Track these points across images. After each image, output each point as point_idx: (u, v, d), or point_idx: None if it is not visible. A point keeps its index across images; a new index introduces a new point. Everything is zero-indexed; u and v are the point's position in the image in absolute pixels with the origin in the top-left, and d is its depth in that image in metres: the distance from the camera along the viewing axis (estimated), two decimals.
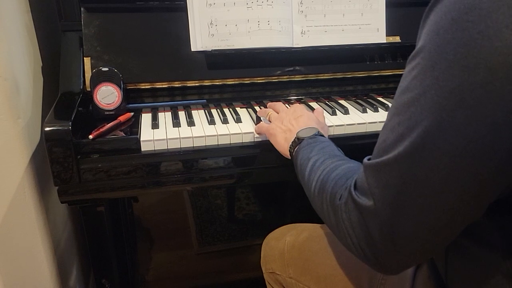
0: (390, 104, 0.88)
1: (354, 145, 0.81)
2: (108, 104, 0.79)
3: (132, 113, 0.82)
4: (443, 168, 0.37)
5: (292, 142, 0.65)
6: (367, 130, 0.81)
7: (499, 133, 0.34)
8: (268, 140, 0.77)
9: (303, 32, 0.89)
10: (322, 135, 0.64)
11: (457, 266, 0.48)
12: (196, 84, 0.88)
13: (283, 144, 0.68)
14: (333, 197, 0.49)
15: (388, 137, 0.41)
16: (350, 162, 0.54)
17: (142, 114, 0.84)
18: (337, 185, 0.49)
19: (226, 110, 0.86)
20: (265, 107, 0.88)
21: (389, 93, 0.97)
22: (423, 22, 0.40)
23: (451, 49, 0.35)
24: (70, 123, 0.68)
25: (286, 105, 0.89)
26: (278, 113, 0.74)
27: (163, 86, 0.86)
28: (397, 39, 0.95)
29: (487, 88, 0.33)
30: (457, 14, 0.35)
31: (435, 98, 0.36)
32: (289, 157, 0.66)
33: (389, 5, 0.92)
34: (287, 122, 0.70)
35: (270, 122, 0.74)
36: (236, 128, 0.78)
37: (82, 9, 0.83)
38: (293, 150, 0.64)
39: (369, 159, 0.44)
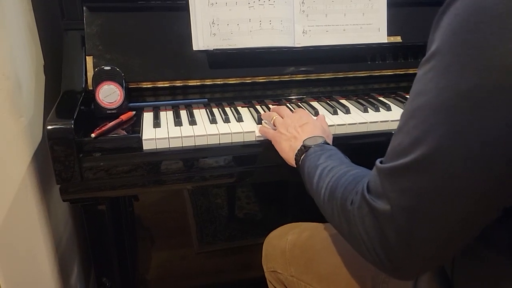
0: (391, 104, 0.89)
1: (356, 145, 0.81)
2: (110, 103, 0.79)
3: (134, 112, 0.82)
4: (460, 171, 0.37)
5: (298, 150, 0.64)
6: (368, 130, 0.82)
7: None
8: (270, 140, 0.77)
9: (305, 31, 0.90)
10: (328, 143, 0.64)
11: (465, 266, 0.47)
12: (198, 83, 0.88)
13: (288, 152, 0.67)
14: (343, 202, 0.48)
15: (403, 141, 0.41)
16: (358, 168, 0.54)
17: (144, 113, 0.85)
18: (347, 190, 0.49)
19: (227, 109, 0.86)
20: (267, 106, 0.88)
21: (390, 92, 0.98)
22: (436, 25, 0.40)
23: (464, 51, 0.35)
24: (72, 121, 0.68)
25: (289, 105, 0.89)
26: (282, 118, 0.74)
27: (165, 85, 0.86)
28: (398, 39, 0.95)
29: (501, 90, 0.33)
30: (470, 16, 0.35)
31: (449, 101, 0.36)
32: (294, 165, 0.66)
33: (390, 5, 0.93)
34: (292, 129, 0.69)
35: (275, 127, 0.74)
36: (237, 127, 0.78)
37: (84, 8, 0.83)
38: (300, 159, 0.63)
39: (381, 162, 0.44)
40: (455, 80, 0.36)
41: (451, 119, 0.36)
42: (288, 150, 0.68)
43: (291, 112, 0.75)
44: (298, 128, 0.69)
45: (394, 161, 0.41)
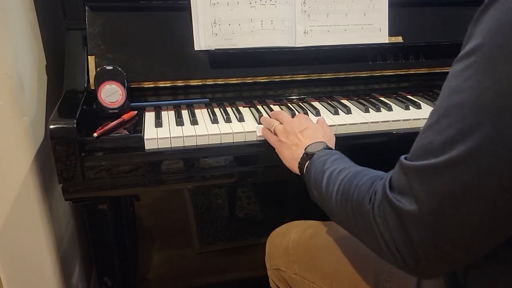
0: (392, 104, 0.89)
1: (357, 145, 0.81)
2: (112, 102, 0.80)
3: (136, 112, 0.82)
4: (498, 174, 0.35)
5: (301, 158, 0.63)
6: (369, 130, 0.82)
7: None
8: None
9: (306, 31, 0.90)
10: (331, 148, 0.62)
11: (482, 269, 0.46)
12: (199, 83, 0.88)
13: (290, 160, 0.66)
14: (360, 202, 0.46)
15: (435, 139, 0.39)
16: (368, 169, 0.52)
17: (146, 113, 0.85)
18: (363, 190, 0.47)
19: (229, 109, 0.87)
20: (268, 106, 0.88)
21: (391, 93, 0.98)
22: (478, 18, 0.37)
23: None
24: (75, 121, 0.69)
25: (290, 105, 0.90)
26: (282, 124, 0.72)
27: (167, 85, 0.87)
28: (399, 39, 0.95)
29: None
30: None
31: (495, 100, 0.34)
32: (298, 173, 0.64)
33: (391, 5, 0.93)
34: (293, 137, 0.67)
35: (276, 135, 0.72)
36: (239, 127, 0.78)
37: (86, 8, 0.84)
38: (304, 167, 0.62)
39: (406, 158, 0.42)
40: (505, 78, 0.33)
41: (495, 119, 0.34)
42: (290, 158, 0.66)
43: (290, 118, 0.73)
44: (299, 134, 0.67)
45: (424, 159, 0.39)
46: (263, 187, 1.40)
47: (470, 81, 0.36)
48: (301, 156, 0.63)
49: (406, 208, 0.40)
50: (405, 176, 0.41)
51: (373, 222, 0.44)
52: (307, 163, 0.61)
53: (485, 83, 0.35)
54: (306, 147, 0.63)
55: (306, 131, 0.67)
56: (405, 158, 0.42)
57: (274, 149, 0.72)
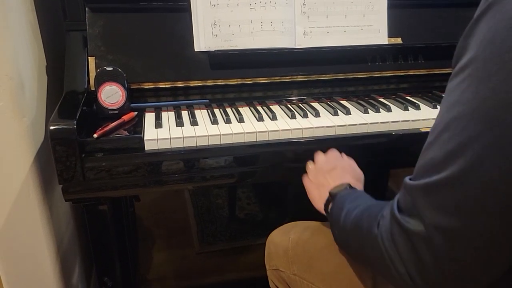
0: (391, 105, 0.89)
1: (356, 146, 0.81)
2: (112, 103, 0.80)
3: (136, 113, 0.83)
4: (501, 186, 0.35)
5: (326, 200, 0.63)
6: (368, 131, 0.82)
7: None
8: (270, 141, 0.78)
9: (306, 33, 0.90)
10: (354, 188, 0.62)
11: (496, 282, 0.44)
12: (199, 84, 0.88)
13: (318, 201, 0.66)
14: (369, 229, 0.46)
15: (436, 155, 0.38)
16: (383, 202, 0.52)
17: (146, 114, 0.85)
18: (371, 217, 0.47)
19: (228, 110, 0.87)
20: (268, 107, 0.88)
21: (390, 94, 0.98)
22: (470, 31, 0.37)
23: (511, 58, 0.33)
24: (75, 122, 0.69)
25: (289, 105, 0.90)
26: (314, 164, 0.73)
27: (167, 86, 0.87)
28: (398, 40, 0.96)
29: None
30: None
31: (492, 111, 0.34)
32: (325, 214, 0.65)
33: (391, 7, 0.93)
34: (321, 177, 0.68)
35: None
36: (238, 127, 0.79)
37: (86, 9, 0.84)
38: (328, 208, 0.62)
39: (410, 179, 0.42)
40: (499, 88, 0.33)
41: (493, 130, 0.34)
42: (318, 199, 0.66)
43: (322, 156, 0.73)
44: (326, 174, 0.67)
45: (427, 177, 0.39)
46: (263, 187, 1.40)
47: (466, 93, 0.36)
48: (327, 198, 0.63)
49: (415, 229, 0.39)
50: (410, 197, 0.40)
51: (382, 247, 0.43)
52: (330, 205, 0.62)
53: (481, 94, 0.35)
54: (331, 190, 0.63)
55: (334, 172, 0.67)
56: (410, 179, 0.42)
57: (274, 150, 0.73)
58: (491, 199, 0.35)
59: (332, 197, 0.62)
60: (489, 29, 0.35)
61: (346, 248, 0.56)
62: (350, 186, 0.62)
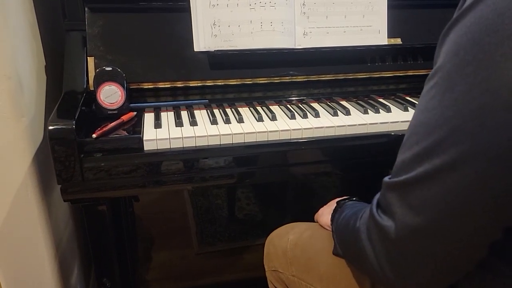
0: (391, 106, 0.89)
1: (355, 146, 0.81)
2: (111, 103, 0.80)
3: (135, 113, 0.82)
4: (463, 189, 0.37)
5: (333, 210, 0.65)
6: (368, 131, 0.82)
7: None
8: (270, 141, 0.78)
9: (305, 33, 0.90)
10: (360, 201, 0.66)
11: (474, 278, 0.46)
12: (199, 84, 0.88)
13: (327, 220, 0.70)
14: (354, 224, 0.49)
15: (406, 156, 0.41)
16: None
17: (145, 114, 0.85)
18: (357, 214, 0.50)
19: (228, 110, 0.87)
20: (267, 107, 0.88)
21: (390, 94, 0.98)
22: (442, 40, 0.39)
23: (471, 71, 0.35)
24: (74, 122, 0.69)
25: (289, 106, 0.90)
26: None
27: (166, 86, 0.87)
28: (398, 41, 0.96)
29: (510, 110, 0.33)
30: (478, 35, 0.34)
31: (453, 120, 0.36)
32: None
33: (390, 7, 0.93)
34: (325, 207, 0.75)
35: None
36: (238, 128, 0.78)
37: (86, 9, 0.84)
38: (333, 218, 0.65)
39: (390, 178, 0.44)
40: (461, 99, 0.35)
41: (454, 138, 0.36)
42: (327, 220, 0.70)
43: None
44: (328, 206, 0.74)
45: (398, 176, 0.41)
46: (263, 187, 1.40)
47: (433, 100, 0.39)
48: (334, 208, 0.66)
49: (385, 224, 0.42)
50: (385, 194, 0.43)
51: (359, 239, 0.46)
52: (335, 214, 0.64)
53: (444, 103, 0.37)
54: (339, 199, 0.66)
55: (322, 218, 0.73)
56: (389, 178, 0.45)
57: (273, 151, 0.72)
58: (452, 200, 0.37)
59: (338, 205, 0.64)
60: (455, 42, 0.37)
61: (343, 249, 0.57)
62: (358, 199, 0.65)
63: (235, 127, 0.79)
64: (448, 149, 0.36)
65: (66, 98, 0.79)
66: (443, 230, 0.39)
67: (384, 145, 0.82)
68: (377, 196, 0.46)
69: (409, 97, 0.96)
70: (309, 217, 0.79)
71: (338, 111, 0.86)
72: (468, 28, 0.35)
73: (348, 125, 0.81)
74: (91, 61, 0.83)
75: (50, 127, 0.67)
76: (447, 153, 0.36)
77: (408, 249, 0.41)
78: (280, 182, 1.26)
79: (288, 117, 0.83)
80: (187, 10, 0.86)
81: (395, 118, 0.84)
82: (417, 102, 0.92)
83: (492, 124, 0.34)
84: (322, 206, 0.77)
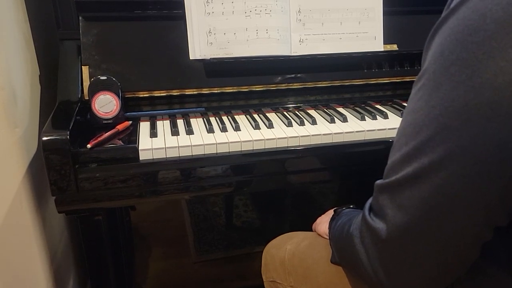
0: (388, 112, 0.89)
1: (353, 153, 0.81)
2: (106, 112, 0.79)
3: (131, 122, 0.82)
4: (451, 188, 0.37)
5: (330, 219, 0.65)
6: (365, 138, 0.81)
7: (507, 151, 0.34)
8: (267, 149, 0.77)
9: (301, 40, 0.90)
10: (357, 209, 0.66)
11: (465, 281, 0.47)
12: (195, 92, 0.88)
13: (325, 228, 0.70)
14: (348, 229, 0.50)
15: (396, 158, 0.41)
16: None
17: (141, 123, 0.84)
18: (350, 220, 0.51)
19: (224, 118, 0.86)
20: (264, 115, 0.88)
21: (386, 100, 0.98)
22: (428, 44, 0.40)
23: (456, 70, 0.35)
24: (68, 132, 0.68)
25: (286, 113, 0.89)
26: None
27: (162, 94, 0.86)
28: (394, 47, 0.96)
29: (493, 107, 0.34)
30: (462, 35, 0.35)
31: (440, 119, 0.37)
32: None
33: (386, 14, 0.93)
34: (323, 216, 0.76)
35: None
36: (235, 136, 0.78)
37: (80, 18, 0.83)
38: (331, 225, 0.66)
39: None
40: (446, 98, 0.36)
41: (442, 136, 0.37)
42: (325, 227, 0.70)
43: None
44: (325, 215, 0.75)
45: (389, 177, 0.42)
46: (260, 195, 1.39)
47: (420, 102, 0.39)
48: (331, 216, 0.66)
49: (377, 226, 0.42)
50: (377, 196, 0.44)
51: (353, 244, 0.46)
52: (332, 222, 0.64)
53: (431, 103, 0.38)
54: (336, 208, 0.66)
55: (320, 226, 0.73)
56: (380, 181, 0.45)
57: (270, 158, 0.71)
58: (441, 200, 0.38)
59: (335, 213, 0.64)
60: (440, 44, 0.38)
61: (339, 256, 0.57)
62: (355, 206, 0.65)
63: (231, 135, 0.78)
64: (436, 147, 0.37)
65: (60, 108, 0.78)
66: (432, 229, 0.39)
67: (382, 152, 0.82)
68: (370, 200, 0.46)
69: (406, 103, 0.96)
70: (307, 223, 0.79)
71: (335, 118, 0.86)
72: (452, 30, 0.37)
73: (346, 132, 0.80)
74: (85, 70, 0.82)
75: (44, 138, 0.67)
76: (435, 151, 0.37)
77: (400, 250, 0.41)
78: (278, 189, 1.26)
79: (285, 125, 0.83)
80: (182, 18, 0.86)
81: (392, 124, 0.83)
82: None
83: (477, 120, 0.34)
84: (320, 213, 0.77)
